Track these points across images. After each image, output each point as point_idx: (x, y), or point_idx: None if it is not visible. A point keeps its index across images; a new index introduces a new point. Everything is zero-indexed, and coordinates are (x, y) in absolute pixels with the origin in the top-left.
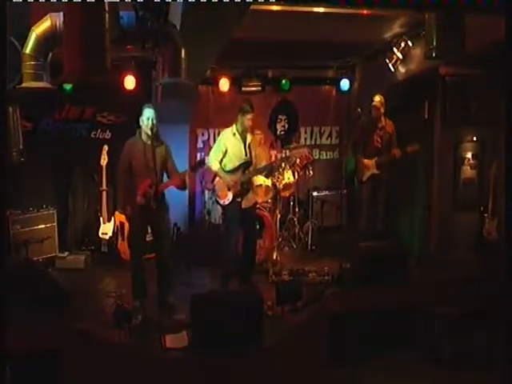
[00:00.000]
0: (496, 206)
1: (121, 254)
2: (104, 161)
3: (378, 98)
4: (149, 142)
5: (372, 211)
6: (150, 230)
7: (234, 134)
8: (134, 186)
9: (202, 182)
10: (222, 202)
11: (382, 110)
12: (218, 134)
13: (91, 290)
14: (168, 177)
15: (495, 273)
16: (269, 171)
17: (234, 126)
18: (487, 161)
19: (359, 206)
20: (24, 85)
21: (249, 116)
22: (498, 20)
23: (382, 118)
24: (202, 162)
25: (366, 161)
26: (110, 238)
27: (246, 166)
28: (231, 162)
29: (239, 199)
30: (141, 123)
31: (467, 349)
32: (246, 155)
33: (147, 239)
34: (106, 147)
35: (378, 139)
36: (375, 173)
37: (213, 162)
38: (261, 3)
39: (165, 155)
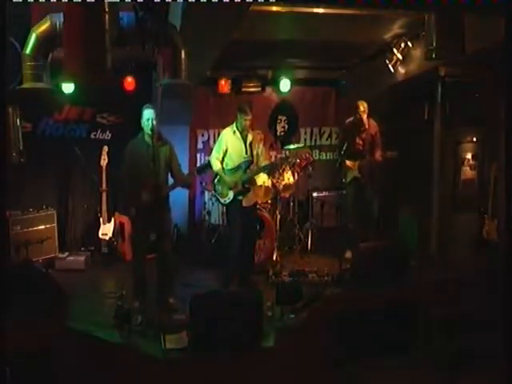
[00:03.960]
0: (496, 207)
1: (121, 255)
2: (104, 161)
3: (361, 108)
4: (151, 143)
5: (358, 213)
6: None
7: (234, 131)
8: (137, 187)
9: (202, 183)
10: (223, 200)
11: (365, 115)
12: (218, 135)
13: (91, 291)
14: (172, 177)
15: (495, 273)
16: (269, 170)
17: (234, 124)
18: (487, 161)
19: (346, 207)
20: (24, 85)
21: (246, 117)
22: (498, 20)
23: (365, 121)
24: (208, 166)
25: (349, 163)
26: (110, 238)
27: (247, 164)
28: (232, 161)
29: (240, 198)
30: (142, 125)
31: (467, 349)
32: (247, 154)
33: (149, 240)
34: (105, 148)
35: (360, 141)
36: (357, 176)
37: (214, 161)
38: (261, 3)
39: (169, 155)
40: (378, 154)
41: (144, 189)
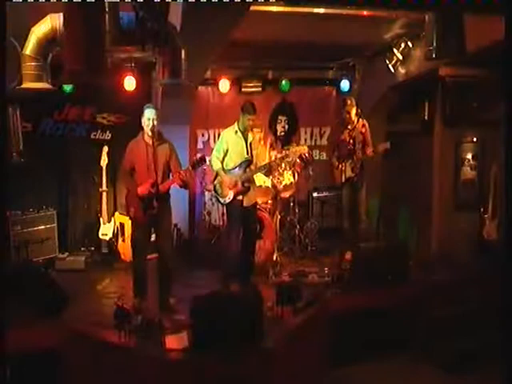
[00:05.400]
0: (496, 207)
1: (121, 255)
2: (104, 162)
3: (349, 102)
4: (150, 143)
5: (355, 212)
6: (152, 231)
7: (236, 131)
8: (136, 187)
9: (202, 183)
10: (222, 200)
11: (353, 112)
12: (218, 135)
13: (91, 291)
14: (172, 175)
15: (495, 273)
16: (267, 170)
17: (236, 124)
18: (487, 161)
19: (342, 208)
20: (24, 85)
21: (250, 117)
22: (498, 20)
23: (354, 119)
24: (203, 159)
25: (342, 163)
26: (110, 238)
27: (246, 164)
28: (232, 161)
29: (240, 197)
30: (142, 124)
31: (467, 349)
32: (247, 154)
33: (150, 240)
34: (105, 148)
35: (351, 140)
36: (351, 176)
37: (214, 160)
38: (261, 3)
39: (169, 154)
40: (369, 151)
41: (143, 188)
